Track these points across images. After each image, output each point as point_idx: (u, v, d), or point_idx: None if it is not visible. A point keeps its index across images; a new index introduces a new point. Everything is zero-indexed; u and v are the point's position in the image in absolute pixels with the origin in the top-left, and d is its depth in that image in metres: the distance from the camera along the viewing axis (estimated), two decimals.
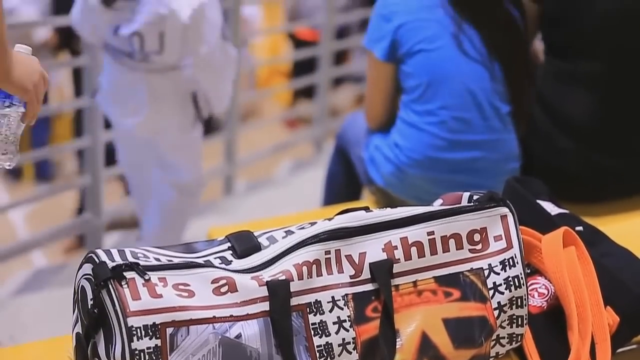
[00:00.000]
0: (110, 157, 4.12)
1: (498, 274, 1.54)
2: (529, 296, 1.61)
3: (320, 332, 1.42)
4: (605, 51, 2.72)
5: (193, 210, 3.74)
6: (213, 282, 1.37)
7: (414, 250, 1.50)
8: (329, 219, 1.48)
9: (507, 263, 1.55)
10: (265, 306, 1.38)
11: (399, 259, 1.49)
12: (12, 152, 1.89)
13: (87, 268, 1.36)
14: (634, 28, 2.70)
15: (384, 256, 1.48)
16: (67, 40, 5.83)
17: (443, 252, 1.52)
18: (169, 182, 3.48)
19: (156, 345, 1.31)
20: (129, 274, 1.33)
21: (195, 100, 3.33)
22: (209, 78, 3.28)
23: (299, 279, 1.41)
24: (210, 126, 7.25)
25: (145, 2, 3.08)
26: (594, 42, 2.72)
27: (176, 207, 3.56)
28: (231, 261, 1.42)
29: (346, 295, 1.45)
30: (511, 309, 1.56)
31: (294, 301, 1.41)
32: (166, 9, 3.06)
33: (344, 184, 3.16)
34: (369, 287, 1.47)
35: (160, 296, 1.32)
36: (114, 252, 1.38)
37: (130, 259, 1.36)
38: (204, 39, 3.16)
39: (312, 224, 1.48)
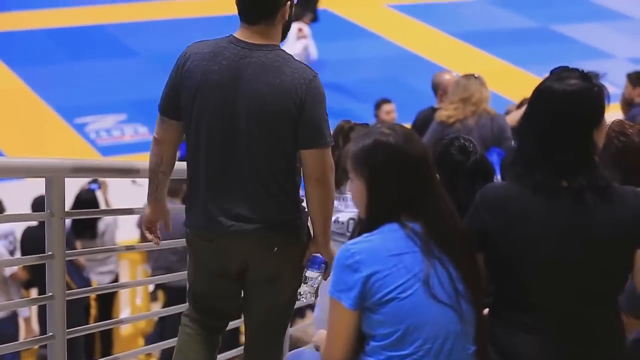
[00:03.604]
0: None
1: None
2: None
3: None
4: (551, 300, 2.82)
5: None
6: None
7: None
8: None
9: None
10: None
11: None
12: (315, 296, 3.61)
13: None
14: (576, 277, 2.81)
15: None
16: (37, 277, 5.92)
17: None
18: None
19: None
20: None
21: None
22: None
23: None
24: None
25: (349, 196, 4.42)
26: (537, 293, 2.83)
27: None
28: None
29: None
30: None
31: None
32: None
33: None
34: None
35: None
36: None
37: None
38: None
39: None
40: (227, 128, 3.53)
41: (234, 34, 3.62)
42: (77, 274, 7.83)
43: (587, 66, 2.97)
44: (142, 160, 4.09)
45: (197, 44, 3.65)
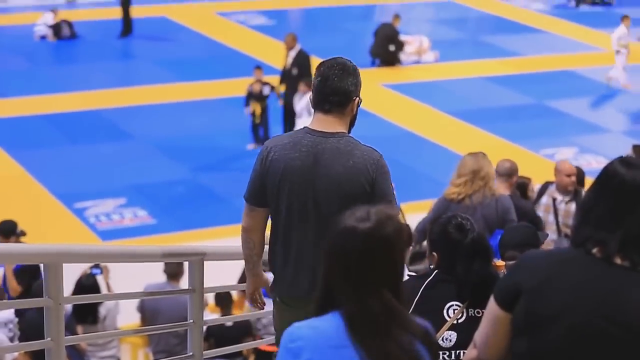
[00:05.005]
0: None
1: None
2: None
3: None
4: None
5: None
6: None
7: None
8: None
9: None
10: None
11: None
12: None
13: None
14: (596, 345, 2.80)
15: None
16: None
17: None
18: None
19: None
20: None
21: None
22: None
23: None
24: None
25: None
26: (557, 354, 2.83)
27: None
28: None
29: None
30: None
31: None
32: None
33: None
34: None
35: None
36: None
37: None
38: None
39: None
40: (309, 206, 4.13)
41: (307, 126, 4.21)
42: (78, 359, 7.78)
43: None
44: (142, 244, 4.10)
45: (276, 137, 4.30)
